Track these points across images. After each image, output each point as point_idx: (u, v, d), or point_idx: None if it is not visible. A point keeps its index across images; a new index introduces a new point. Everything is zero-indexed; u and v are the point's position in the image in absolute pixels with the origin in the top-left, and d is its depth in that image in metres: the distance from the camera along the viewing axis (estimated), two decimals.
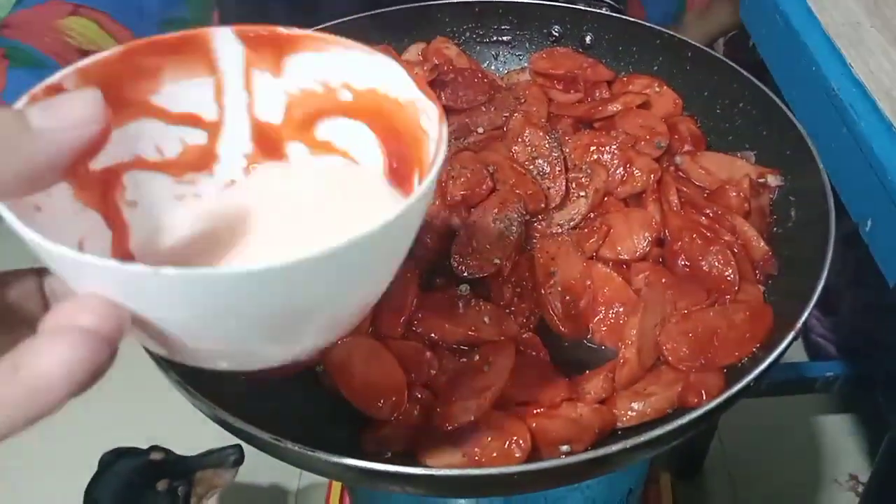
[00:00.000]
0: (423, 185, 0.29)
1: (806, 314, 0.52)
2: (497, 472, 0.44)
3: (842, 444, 1.54)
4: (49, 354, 0.22)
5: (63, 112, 0.26)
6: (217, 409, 0.47)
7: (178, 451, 1.17)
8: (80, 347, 0.22)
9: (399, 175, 0.37)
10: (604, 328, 0.61)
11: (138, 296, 0.24)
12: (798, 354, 1.54)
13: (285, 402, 0.57)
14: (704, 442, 1.46)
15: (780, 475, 1.49)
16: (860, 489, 1.45)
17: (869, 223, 0.68)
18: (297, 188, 0.39)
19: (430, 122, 0.33)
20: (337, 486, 1.27)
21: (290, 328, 0.30)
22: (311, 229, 0.36)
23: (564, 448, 0.51)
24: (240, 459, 1.14)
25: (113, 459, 1.09)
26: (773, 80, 0.83)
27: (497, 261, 0.64)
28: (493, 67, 0.87)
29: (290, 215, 0.37)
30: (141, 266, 0.23)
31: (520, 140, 0.69)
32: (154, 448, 1.12)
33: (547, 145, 0.69)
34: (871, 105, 0.70)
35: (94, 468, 1.12)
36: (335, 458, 0.44)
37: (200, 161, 0.38)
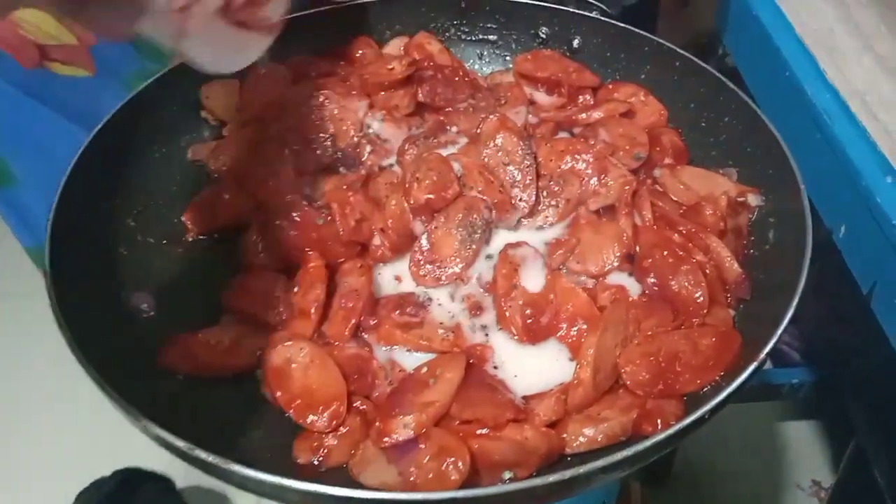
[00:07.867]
0: None
1: (770, 346, 0.49)
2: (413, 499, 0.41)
3: (805, 451, 1.53)
4: None
5: None
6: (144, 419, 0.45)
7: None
8: None
9: None
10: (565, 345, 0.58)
11: None
12: None
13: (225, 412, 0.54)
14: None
15: (745, 481, 1.47)
16: (822, 495, 1.43)
17: (842, 229, 0.65)
18: None
19: None
20: None
21: None
22: None
23: (507, 475, 0.49)
24: None
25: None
26: (744, 88, 0.80)
27: (457, 269, 0.61)
28: (476, 67, 0.84)
29: None
30: None
31: (492, 144, 0.66)
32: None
33: (520, 152, 0.66)
34: (844, 110, 0.67)
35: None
36: (236, 468, 0.41)
37: None
